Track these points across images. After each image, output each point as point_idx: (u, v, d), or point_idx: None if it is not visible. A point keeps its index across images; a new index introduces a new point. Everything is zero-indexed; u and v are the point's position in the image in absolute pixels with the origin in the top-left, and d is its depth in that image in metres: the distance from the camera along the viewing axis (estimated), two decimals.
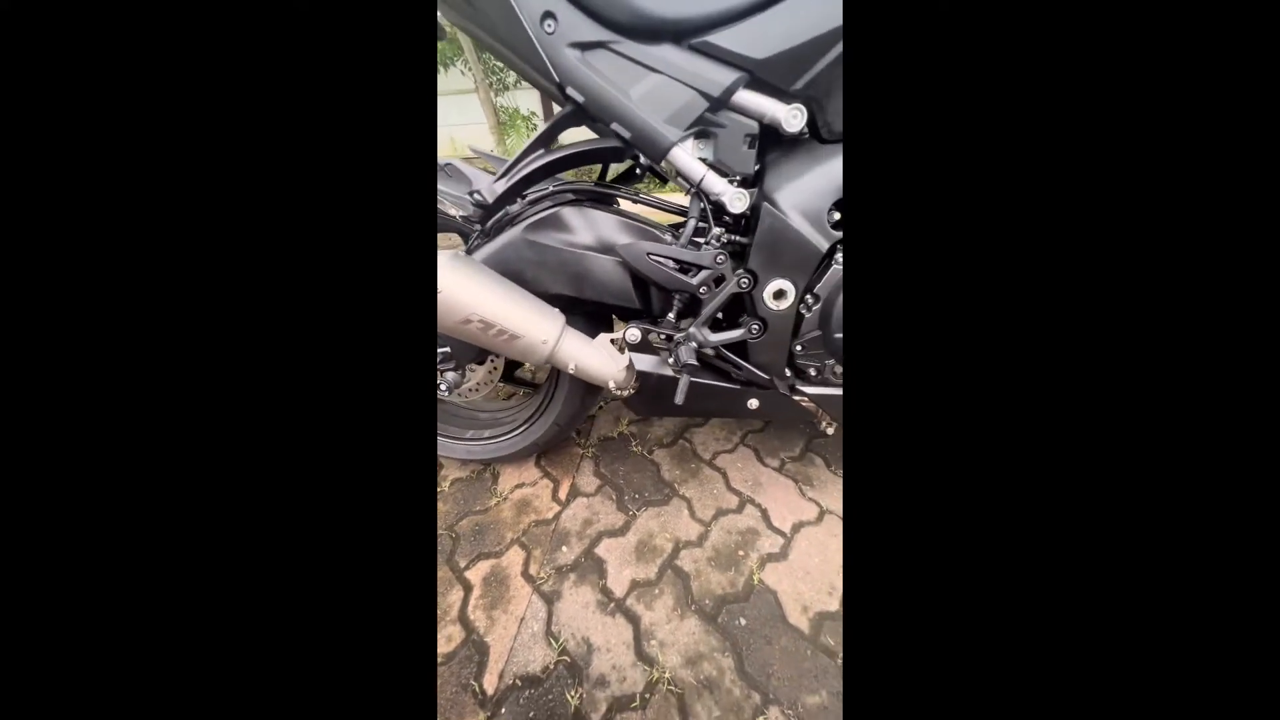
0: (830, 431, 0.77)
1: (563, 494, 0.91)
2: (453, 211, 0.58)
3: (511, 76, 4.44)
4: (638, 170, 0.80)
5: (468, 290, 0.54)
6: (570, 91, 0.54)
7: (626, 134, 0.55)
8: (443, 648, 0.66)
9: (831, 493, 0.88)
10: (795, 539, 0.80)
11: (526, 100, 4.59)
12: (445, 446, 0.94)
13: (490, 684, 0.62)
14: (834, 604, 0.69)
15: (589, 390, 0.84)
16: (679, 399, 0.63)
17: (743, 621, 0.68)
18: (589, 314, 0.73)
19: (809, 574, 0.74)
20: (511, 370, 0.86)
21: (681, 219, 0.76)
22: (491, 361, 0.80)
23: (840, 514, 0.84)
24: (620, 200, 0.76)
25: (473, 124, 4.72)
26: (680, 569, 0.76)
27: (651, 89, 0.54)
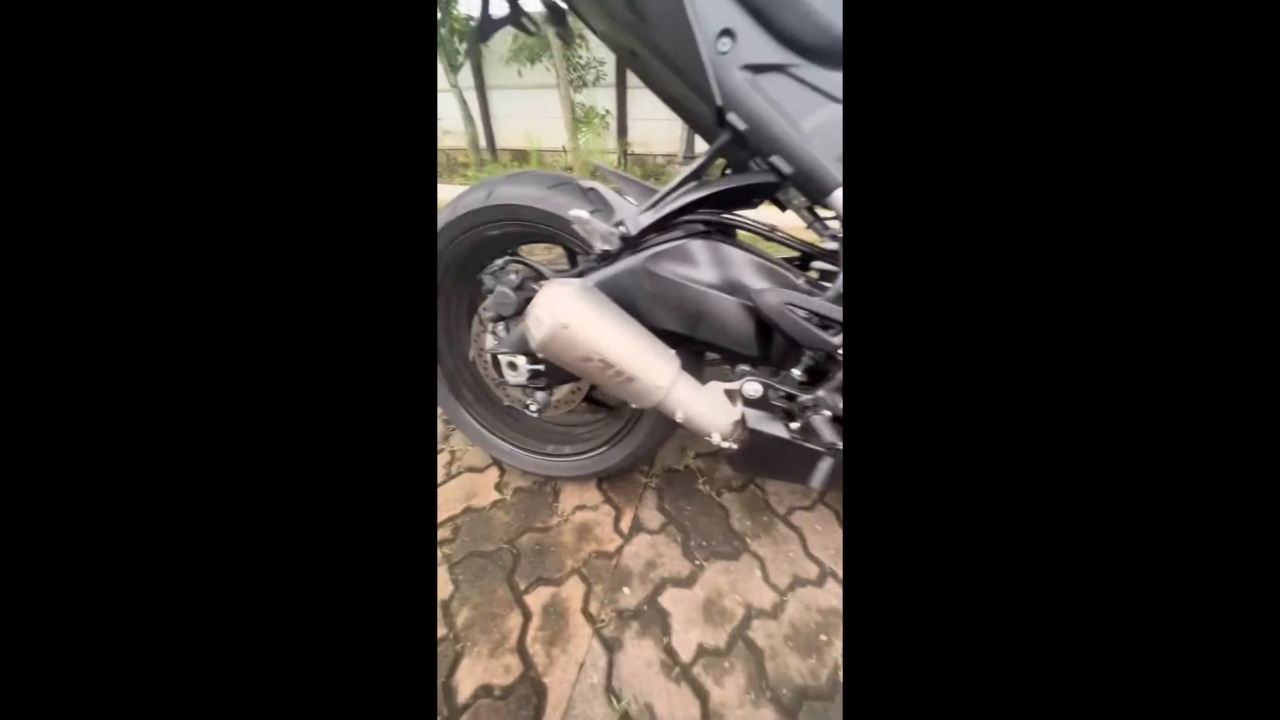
0: None
1: (625, 525, 0.87)
2: (600, 245, 0.54)
3: (591, 75, 4.50)
4: (754, 200, 0.73)
5: (595, 328, 0.50)
6: (731, 118, 0.48)
7: (788, 169, 0.49)
8: (500, 679, 0.64)
9: None
10: None
11: (603, 99, 4.63)
12: (515, 457, 0.92)
13: None
14: None
15: (671, 425, 0.79)
16: (817, 482, 0.56)
17: None
18: (689, 350, 0.67)
19: None
20: (592, 388, 0.83)
21: (796, 254, 0.68)
22: (576, 382, 0.77)
23: None
24: (739, 231, 0.69)
25: (549, 118, 4.84)
26: (753, 642, 0.69)
27: (826, 121, 0.47)
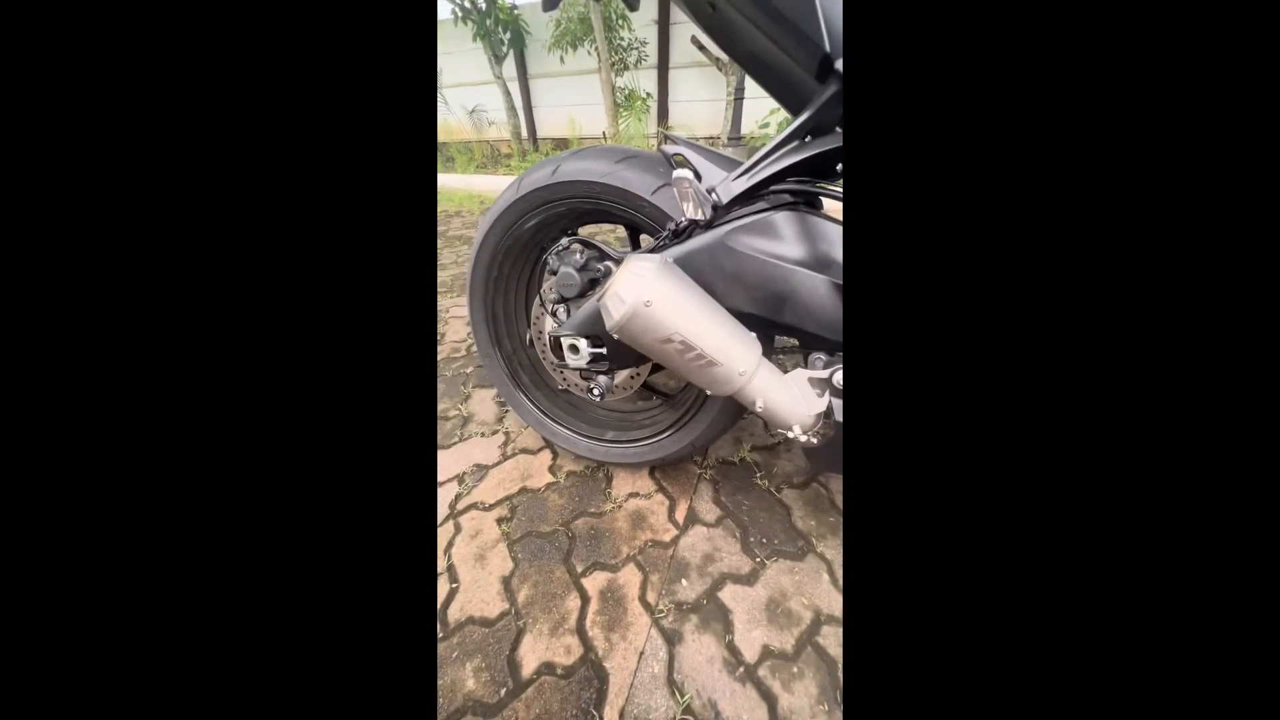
0: None
1: (680, 516, 0.84)
2: (692, 213, 0.50)
3: (633, 57, 4.39)
4: (840, 166, 0.65)
5: (678, 307, 0.47)
6: (840, 65, 0.42)
7: None
8: (562, 658, 0.64)
9: None
10: None
11: (645, 82, 4.51)
12: (570, 441, 0.92)
13: (610, 719, 0.58)
14: None
15: (733, 415, 0.74)
16: None
17: None
18: (763, 335, 0.62)
19: None
20: (651, 373, 0.80)
21: None
22: (637, 367, 0.74)
23: None
24: (825, 201, 0.63)
25: (589, 105, 4.80)
26: (823, 649, 0.64)
27: None
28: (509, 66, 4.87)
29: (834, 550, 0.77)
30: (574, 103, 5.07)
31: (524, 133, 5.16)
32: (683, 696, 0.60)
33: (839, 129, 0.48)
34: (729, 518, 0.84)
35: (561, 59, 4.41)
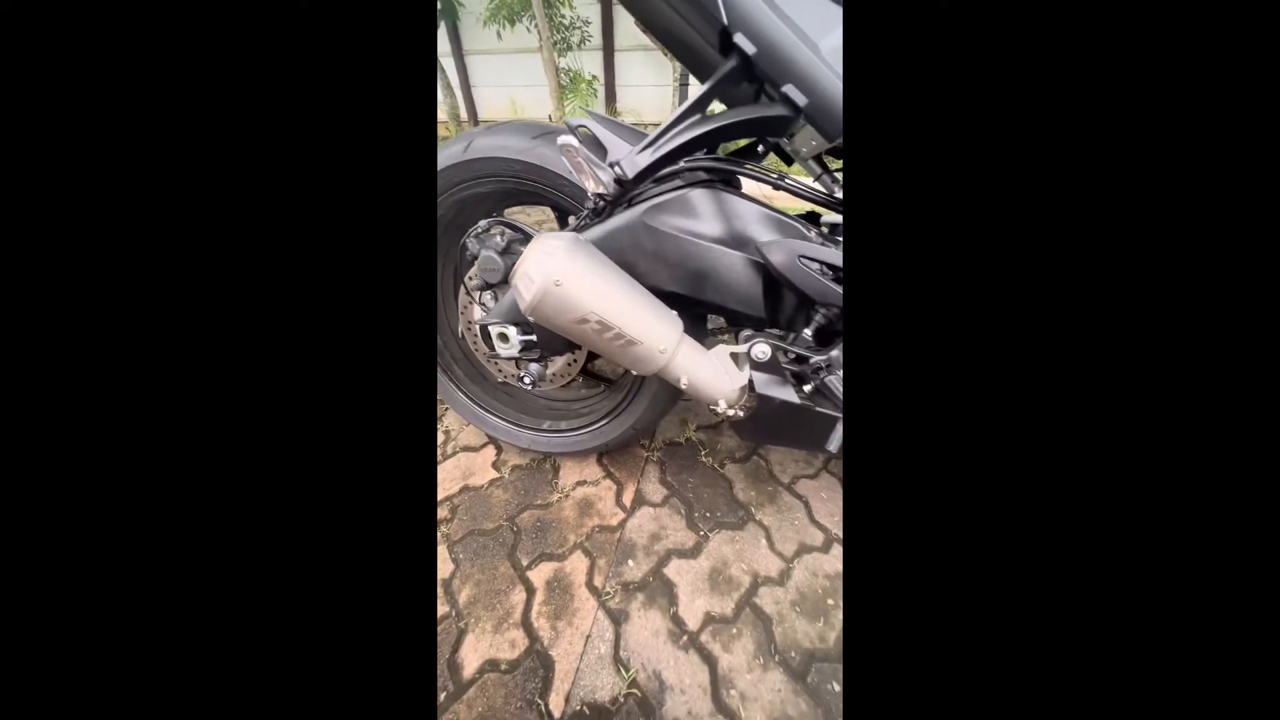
0: None
1: (627, 499, 0.85)
2: (591, 186, 0.48)
3: (576, 36, 4.22)
4: (760, 147, 0.67)
5: (591, 285, 0.46)
6: (738, 39, 0.42)
7: (802, 100, 0.43)
8: (506, 653, 0.63)
9: None
10: None
11: (589, 63, 4.36)
12: (510, 433, 0.89)
13: (556, 705, 0.58)
14: None
15: (672, 396, 0.76)
16: (834, 445, 0.53)
17: (836, 687, 0.60)
18: (690, 314, 0.63)
19: None
20: (590, 360, 0.79)
21: (812, 208, 0.63)
22: (573, 353, 0.73)
23: None
24: (743, 180, 0.64)
25: (533, 85, 4.57)
26: (760, 609, 0.68)
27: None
28: (441, 41, 4.49)
29: (771, 517, 0.82)
30: (516, 84, 4.80)
31: (463, 114, 4.82)
32: (628, 672, 0.61)
33: (766, 98, 0.48)
34: (675, 496, 0.86)
35: (499, 34, 4.14)
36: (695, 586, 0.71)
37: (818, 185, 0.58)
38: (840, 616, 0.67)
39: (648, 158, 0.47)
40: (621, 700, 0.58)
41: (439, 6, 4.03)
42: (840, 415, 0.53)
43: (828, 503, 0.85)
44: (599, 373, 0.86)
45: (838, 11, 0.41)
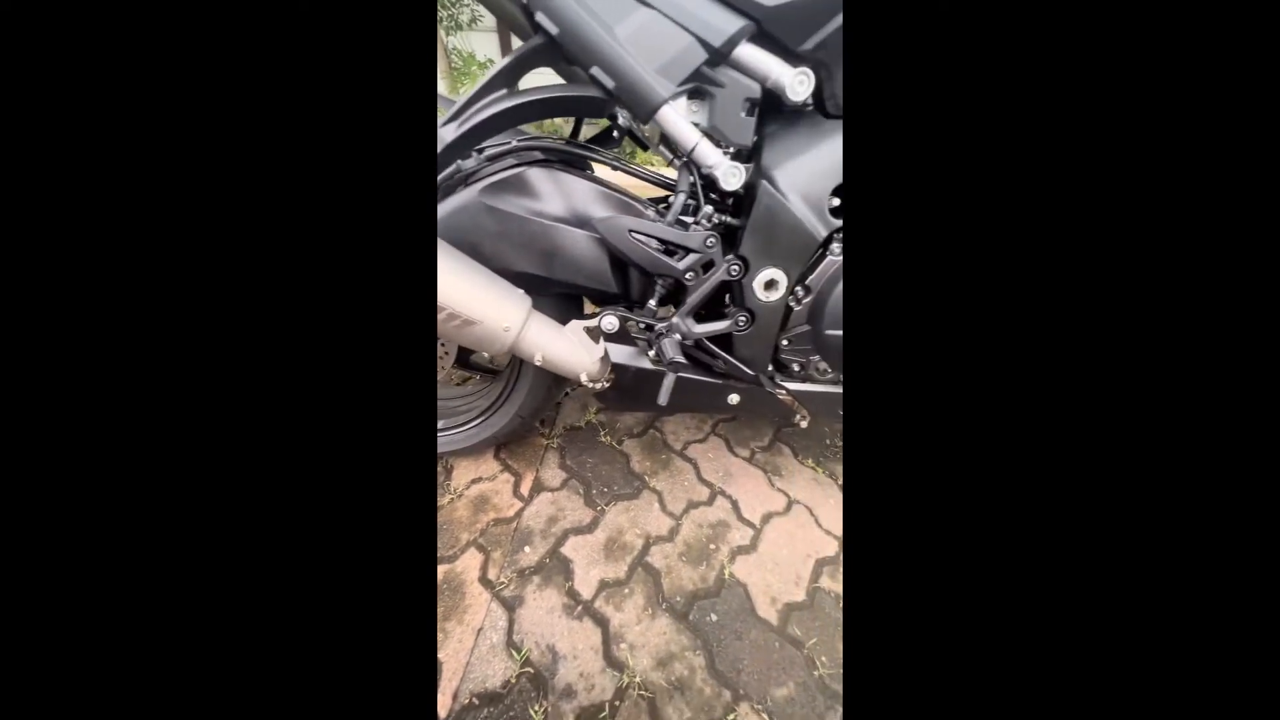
0: (803, 424, 0.76)
1: (525, 489, 0.84)
2: None
3: (465, 15, 3.90)
4: (615, 132, 0.70)
5: None
6: (540, 19, 0.44)
7: (609, 83, 0.46)
8: None
9: (799, 483, 0.90)
10: (765, 530, 0.80)
11: (483, 45, 4.08)
12: None
13: (443, 705, 0.56)
14: (800, 594, 0.71)
15: (556, 379, 0.76)
16: (663, 399, 0.58)
17: (714, 618, 0.67)
18: (561, 296, 0.64)
19: (778, 565, 0.74)
20: (466, 353, 0.76)
21: (666, 193, 0.68)
22: (442, 344, 0.70)
23: (807, 505, 0.85)
24: (594, 166, 0.66)
25: None
26: (651, 566, 0.73)
27: (642, 27, 0.45)
28: None
29: (664, 482, 0.88)
30: None
31: None
32: (520, 653, 0.61)
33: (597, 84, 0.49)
34: (574, 478, 0.87)
35: None
36: (591, 558, 0.74)
37: (671, 171, 0.62)
38: (720, 558, 0.75)
39: (452, 132, 0.46)
40: (514, 681, 0.59)
41: None
42: (665, 370, 0.58)
43: (714, 461, 0.93)
44: (480, 364, 0.83)
45: (628, 1, 0.44)
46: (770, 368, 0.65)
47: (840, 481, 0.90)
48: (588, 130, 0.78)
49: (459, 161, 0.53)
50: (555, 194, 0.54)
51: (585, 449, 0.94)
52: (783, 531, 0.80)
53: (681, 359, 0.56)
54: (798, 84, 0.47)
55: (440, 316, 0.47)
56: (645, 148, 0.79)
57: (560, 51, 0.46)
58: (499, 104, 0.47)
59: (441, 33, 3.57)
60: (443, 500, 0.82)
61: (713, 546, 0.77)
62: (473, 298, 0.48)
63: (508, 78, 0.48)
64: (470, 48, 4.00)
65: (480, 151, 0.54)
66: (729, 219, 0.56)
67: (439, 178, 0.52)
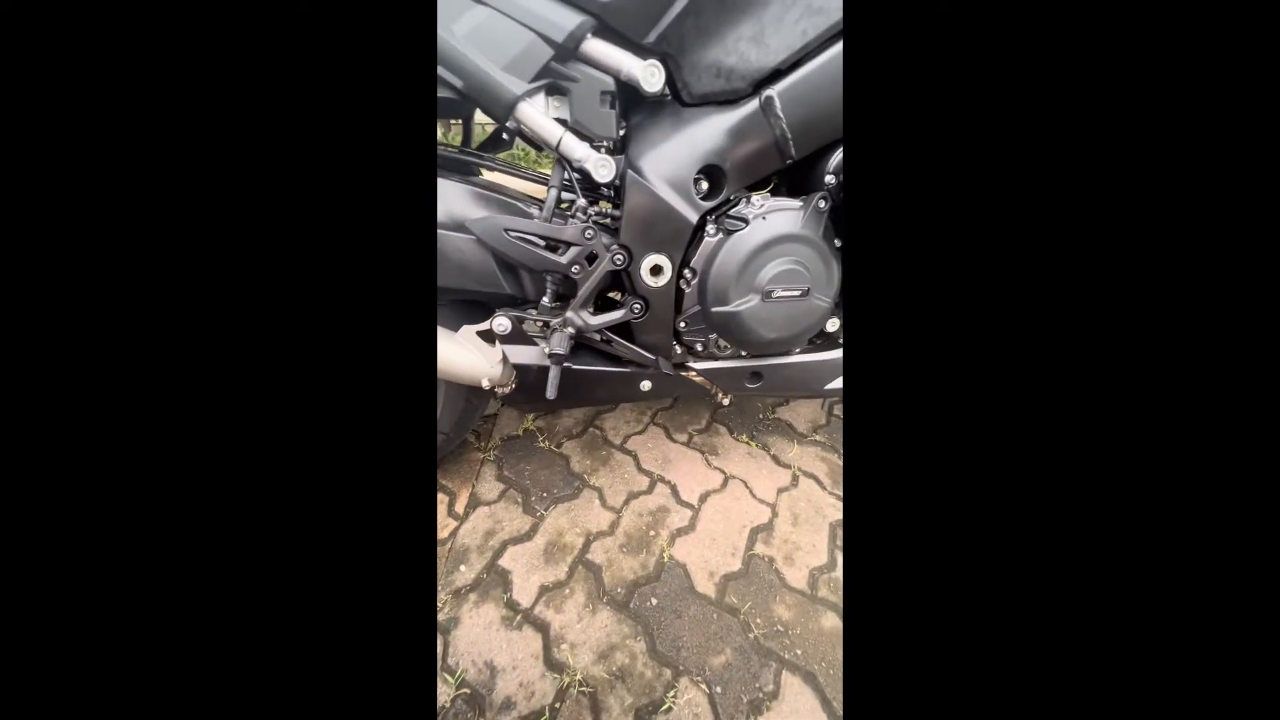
0: (726, 402, 0.79)
1: (460, 507, 0.82)
2: None
3: None
4: (504, 135, 0.69)
5: None
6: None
7: (458, 82, 0.46)
8: None
9: (734, 459, 0.93)
10: (702, 509, 0.82)
11: None
12: None
13: None
14: (736, 564, 0.73)
15: (474, 390, 0.74)
16: (550, 392, 0.58)
17: (654, 601, 0.68)
18: (459, 304, 0.63)
19: (715, 540, 0.77)
20: None
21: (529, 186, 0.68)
22: None
23: (742, 478, 0.89)
24: (484, 171, 0.65)
25: None
26: (592, 563, 0.73)
27: (480, 26, 0.45)
28: None
29: (604, 478, 0.88)
30: None
31: None
32: (454, 676, 0.59)
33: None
34: (512, 488, 0.85)
35: None
36: (530, 565, 0.72)
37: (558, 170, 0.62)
38: (660, 542, 0.76)
39: None
40: (449, 705, 0.57)
41: None
42: (550, 364, 0.58)
43: (653, 450, 0.95)
44: None
45: (466, 1, 0.44)
46: (678, 350, 0.67)
47: (772, 452, 0.95)
48: (481, 138, 0.76)
49: None
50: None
51: (524, 456, 0.92)
52: (719, 508, 0.82)
53: (563, 350, 0.56)
54: (649, 76, 0.49)
55: None
56: (540, 149, 0.79)
57: None
58: None
59: None
60: None
61: (653, 533, 0.78)
62: None
63: None
64: None
65: None
66: (610, 210, 0.57)
67: None
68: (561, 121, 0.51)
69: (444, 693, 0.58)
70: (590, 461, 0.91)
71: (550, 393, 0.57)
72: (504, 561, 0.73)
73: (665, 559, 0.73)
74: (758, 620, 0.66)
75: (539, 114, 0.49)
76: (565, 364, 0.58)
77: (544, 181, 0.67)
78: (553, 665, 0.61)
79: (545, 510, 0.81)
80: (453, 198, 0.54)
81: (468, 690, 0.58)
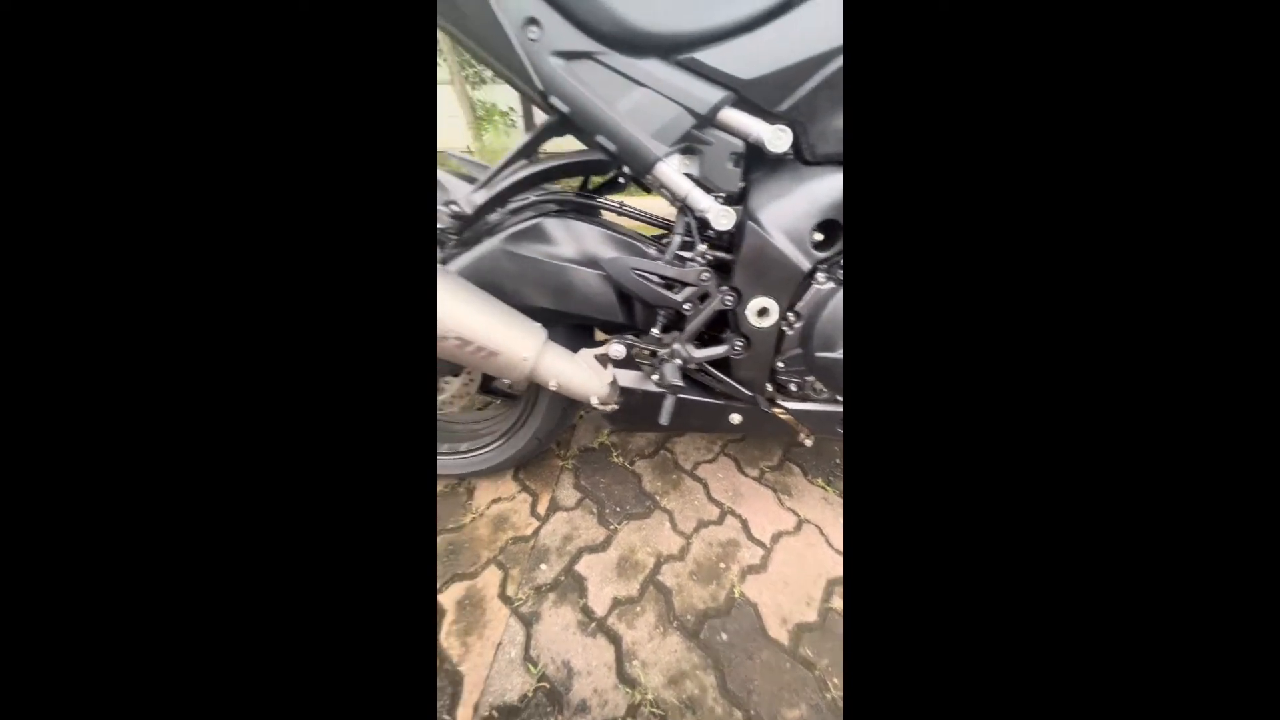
0: (808, 443, 0.78)
1: (542, 508, 0.89)
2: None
3: (489, 71, 4.31)
4: (620, 179, 0.79)
5: (444, 305, 0.51)
6: (554, 100, 0.52)
7: (612, 147, 0.54)
8: None
9: (808, 502, 0.90)
10: (774, 550, 0.81)
11: (505, 96, 4.47)
12: None
13: (464, 717, 0.59)
14: (812, 615, 0.71)
15: (570, 402, 0.82)
16: (664, 419, 0.62)
17: (724, 636, 0.68)
18: (574, 326, 0.71)
19: (788, 585, 0.75)
20: (489, 380, 0.83)
21: (664, 231, 0.75)
22: (468, 373, 0.77)
23: (817, 524, 0.86)
24: (604, 211, 0.74)
25: (446, 118, 4.55)
26: (662, 584, 0.75)
27: (638, 103, 0.53)
28: None
29: (674, 501, 0.90)
30: None
31: None
32: (536, 668, 0.64)
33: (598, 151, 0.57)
34: (588, 498, 0.91)
35: None
36: (604, 576, 0.76)
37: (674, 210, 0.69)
38: (730, 577, 0.76)
39: (483, 196, 0.55)
40: (531, 695, 0.61)
41: None
42: (667, 392, 0.62)
43: (723, 481, 0.95)
44: (500, 390, 0.90)
45: (623, 81, 0.52)
46: (771, 389, 0.69)
47: None
48: (599, 178, 0.87)
49: (487, 217, 0.62)
50: (567, 239, 0.62)
51: (598, 470, 0.97)
52: (793, 551, 0.80)
53: (680, 381, 0.61)
54: (776, 139, 0.54)
55: (467, 349, 0.54)
56: (648, 190, 0.87)
57: (570, 125, 0.55)
58: (522, 171, 0.55)
59: (467, 87, 3.95)
60: (464, 519, 0.87)
61: (723, 565, 0.78)
62: (494, 331, 0.55)
63: (527, 149, 0.57)
64: (492, 100, 4.38)
65: (504, 206, 0.63)
66: (723, 255, 0.62)
67: (468, 234, 0.61)
68: (689, 176, 0.58)
69: (526, 683, 0.62)
70: (661, 483, 0.94)
71: (664, 419, 0.62)
72: (580, 567, 0.78)
73: (736, 594, 0.73)
74: (835, 681, 0.63)
75: (672, 171, 0.56)
76: (669, 392, 0.63)
77: (643, 219, 0.74)
78: (625, 679, 0.63)
79: (618, 524, 0.85)
80: (586, 238, 0.63)
81: (547, 685, 0.62)
